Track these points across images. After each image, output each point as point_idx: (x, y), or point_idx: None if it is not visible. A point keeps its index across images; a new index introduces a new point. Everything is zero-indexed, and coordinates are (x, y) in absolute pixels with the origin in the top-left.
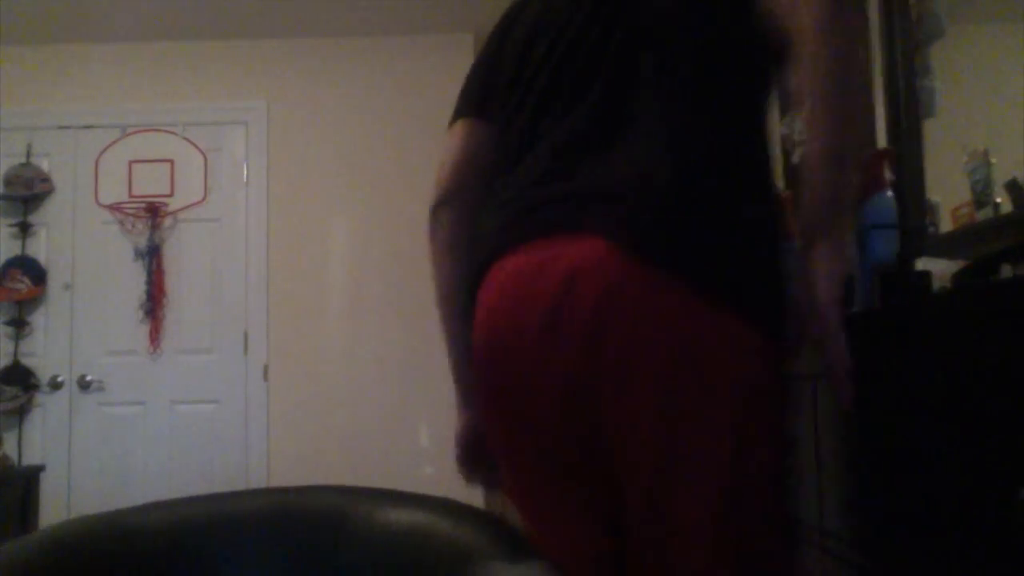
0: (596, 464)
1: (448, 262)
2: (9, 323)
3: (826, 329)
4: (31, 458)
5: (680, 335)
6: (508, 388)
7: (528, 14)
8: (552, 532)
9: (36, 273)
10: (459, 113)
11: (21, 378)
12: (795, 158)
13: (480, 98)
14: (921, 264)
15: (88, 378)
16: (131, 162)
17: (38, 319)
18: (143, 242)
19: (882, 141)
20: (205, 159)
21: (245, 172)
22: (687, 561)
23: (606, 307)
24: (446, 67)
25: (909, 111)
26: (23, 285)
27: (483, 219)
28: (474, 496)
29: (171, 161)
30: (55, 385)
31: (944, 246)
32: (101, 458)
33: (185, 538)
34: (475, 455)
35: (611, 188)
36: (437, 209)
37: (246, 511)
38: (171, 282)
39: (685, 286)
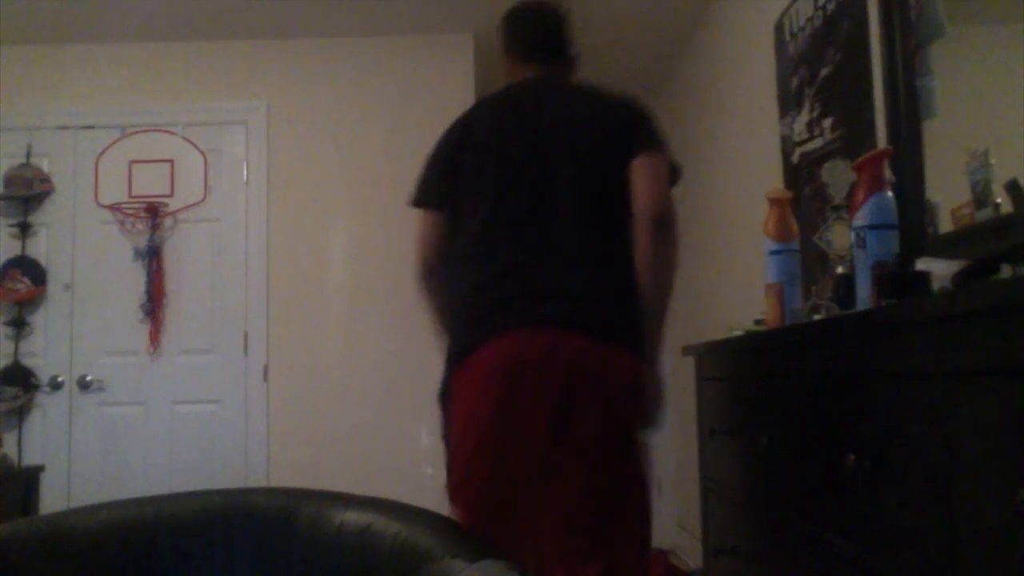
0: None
1: (440, 306)
2: (9, 323)
3: (657, 397)
4: (31, 458)
5: (614, 370)
6: (512, 399)
7: (478, 133)
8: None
9: (36, 273)
10: (425, 204)
11: (21, 378)
12: (794, 158)
13: (442, 194)
14: (921, 264)
15: (88, 378)
16: (131, 162)
17: (38, 319)
18: (143, 242)
19: (882, 141)
20: (205, 159)
21: (245, 172)
22: (632, 482)
23: (575, 360)
24: (446, 67)
25: (909, 111)
26: (23, 285)
27: (466, 292)
28: None
29: (171, 161)
30: (55, 385)
31: (944, 246)
32: (101, 458)
33: (132, 539)
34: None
35: (562, 294)
36: (427, 276)
37: (195, 512)
38: (171, 282)
39: (611, 346)
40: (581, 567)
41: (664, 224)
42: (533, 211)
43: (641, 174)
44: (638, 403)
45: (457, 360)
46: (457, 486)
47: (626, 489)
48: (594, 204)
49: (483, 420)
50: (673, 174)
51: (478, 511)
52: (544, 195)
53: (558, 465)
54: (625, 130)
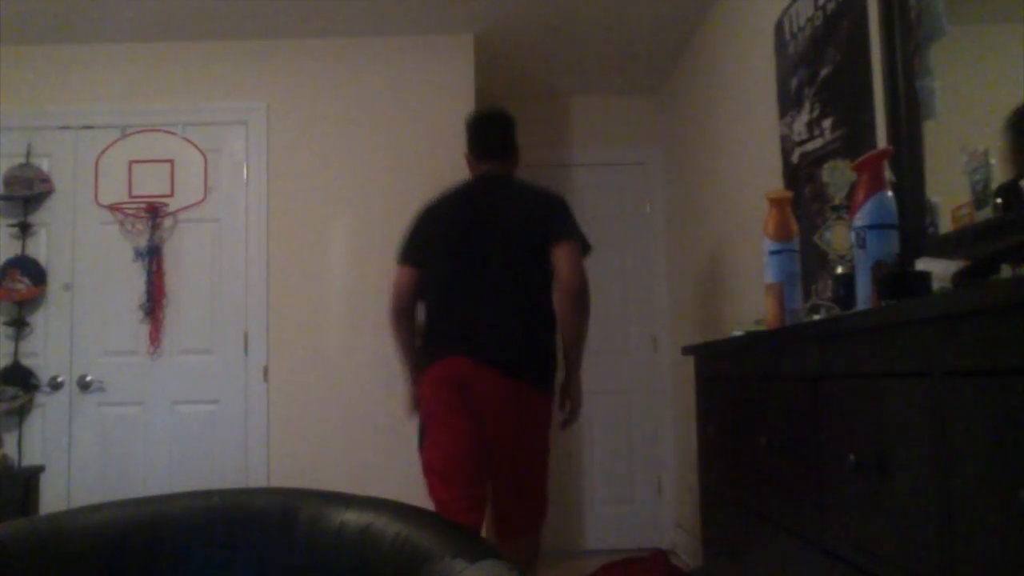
0: (480, 442)
1: (405, 337)
2: (9, 323)
3: (576, 406)
4: (31, 458)
5: (518, 397)
6: (448, 398)
7: (444, 216)
8: (449, 467)
9: (36, 273)
10: (406, 260)
11: (21, 378)
12: (794, 158)
13: (417, 257)
14: (921, 264)
15: (88, 378)
16: (131, 162)
17: (38, 319)
18: (143, 242)
19: (882, 141)
20: (205, 159)
21: (245, 172)
22: (531, 480)
23: (475, 379)
24: (446, 67)
25: (909, 111)
26: (23, 285)
27: (436, 330)
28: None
29: (171, 161)
30: (55, 385)
31: (944, 246)
32: (101, 458)
33: (132, 539)
34: (415, 404)
35: (512, 347)
36: (399, 312)
37: (195, 512)
38: (171, 282)
39: (520, 381)
40: (510, 513)
41: (580, 295)
42: (477, 278)
43: (562, 257)
44: (527, 414)
45: (432, 359)
46: (428, 460)
47: (532, 468)
48: (522, 275)
49: (434, 414)
50: (585, 249)
51: (441, 476)
52: (486, 267)
53: (493, 446)
54: (548, 220)
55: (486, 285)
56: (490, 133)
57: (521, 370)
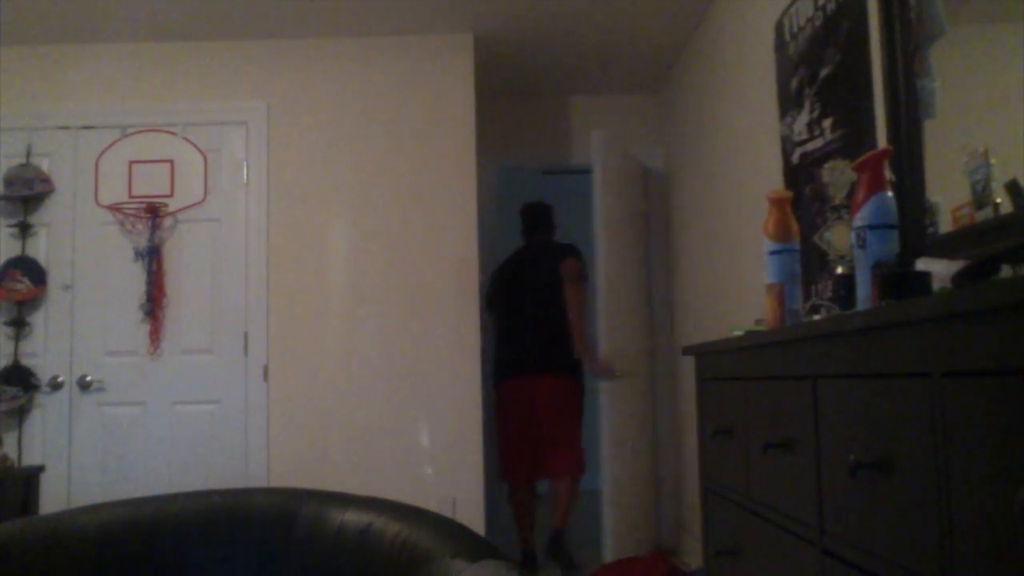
0: (531, 418)
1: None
2: (9, 323)
3: (595, 372)
4: (31, 458)
5: (562, 388)
6: (514, 398)
7: (505, 274)
8: (509, 438)
9: (36, 273)
10: (488, 307)
11: (21, 378)
12: (794, 158)
13: (491, 301)
14: (921, 264)
15: (88, 378)
16: (131, 162)
17: (38, 319)
18: (143, 242)
19: (882, 141)
20: (205, 159)
21: (245, 172)
22: (566, 438)
23: (547, 386)
24: (446, 67)
25: (909, 111)
26: (23, 285)
27: (502, 352)
28: (473, 495)
29: (171, 161)
30: (55, 385)
31: (944, 246)
32: (101, 458)
33: (132, 539)
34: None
35: (544, 356)
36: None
37: (195, 512)
38: (171, 282)
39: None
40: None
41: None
42: (526, 318)
43: (564, 270)
44: (565, 392)
45: (501, 380)
46: (504, 439)
47: (567, 424)
48: (547, 312)
49: (511, 409)
50: (584, 279)
51: (511, 444)
52: (524, 312)
53: (544, 419)
54: (558, 259)
55: (533, 326)
56: (535, 217)
57: (561, 371)
